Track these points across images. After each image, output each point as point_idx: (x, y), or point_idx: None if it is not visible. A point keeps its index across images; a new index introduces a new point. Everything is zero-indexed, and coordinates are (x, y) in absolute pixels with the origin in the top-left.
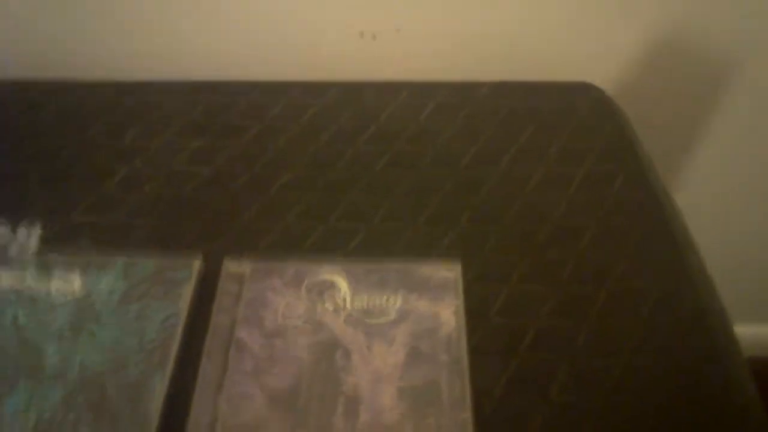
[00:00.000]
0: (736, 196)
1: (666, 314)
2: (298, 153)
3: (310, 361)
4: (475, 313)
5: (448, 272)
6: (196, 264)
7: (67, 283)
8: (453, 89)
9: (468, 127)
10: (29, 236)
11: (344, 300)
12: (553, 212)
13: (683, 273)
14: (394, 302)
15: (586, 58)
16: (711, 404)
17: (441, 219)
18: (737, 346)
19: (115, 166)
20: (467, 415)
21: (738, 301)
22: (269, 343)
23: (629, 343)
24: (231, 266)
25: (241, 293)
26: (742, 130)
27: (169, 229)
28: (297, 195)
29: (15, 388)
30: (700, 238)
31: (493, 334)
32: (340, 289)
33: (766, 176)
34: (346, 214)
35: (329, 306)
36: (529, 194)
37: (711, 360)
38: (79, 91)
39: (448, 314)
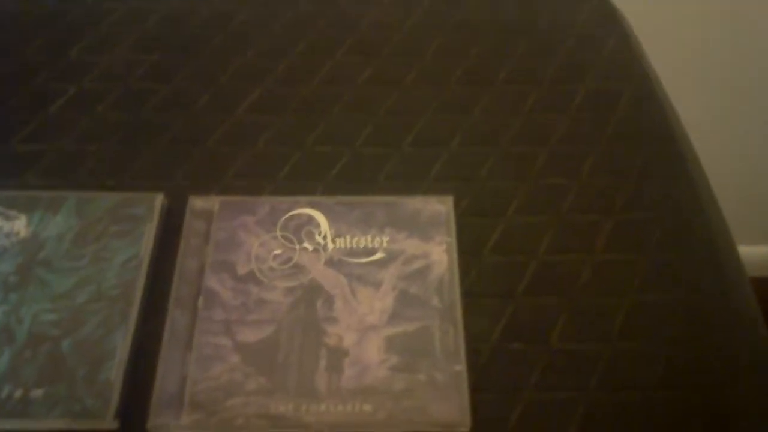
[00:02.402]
0: (738, 113)
1: (674, 248)
2: (268, 68)
3: (289, 309)
4: (468, 251)
5: (440, 205)
6: (158, 199)
7: (11, 223)
8: None
9: (458, 39)
10: None
11: (325, 239)
12: (552, 135)
13: (693, 203)
14: (380, 241)
15: None
16: (720, 345)
17: (429, 142)
18: (747, 284)
19: (60, 86)
20: (461, 367)
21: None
22: (242, 290)
23: (635, 282)
24: (197, 202)
25: (210, 233)
26: (748, 44)
27: (125, 157)
28: (268, 117)
29: None
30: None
31: (488, 275)
32: (320, 226)
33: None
34: (324, 138)
35: (308, 246)
36: (525, 115)
37: (721, 297)
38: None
39: (440, 253)
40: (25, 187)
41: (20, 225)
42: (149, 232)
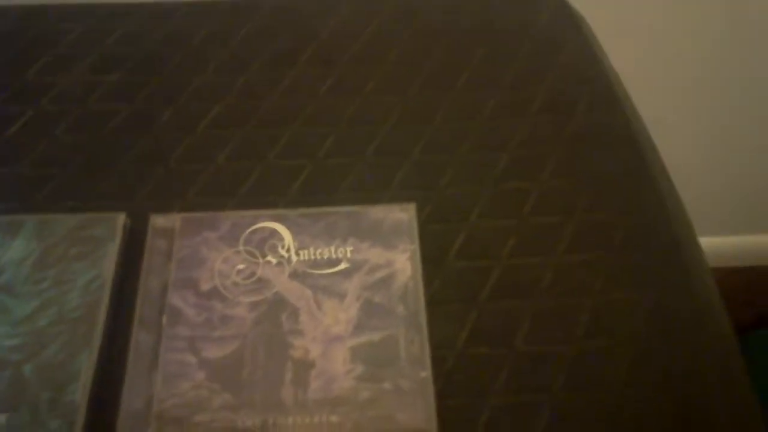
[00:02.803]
0: (705, 109)
1: (638, 248)
2: (228, 83)
3: (253, 324)
4: (432, 258)
5: (402, 213)
6: (120, 219)
7: None
8: (398, 3)
9: (416, 47)
10: None
11: (288, 251)
12: (512, 140)
13: (655, 202)
14: (343, 251)
15: None
16: (686, 341)
17: (391, 151)
18: (711, 280)
19: (17, 108)
20: (427, 373)
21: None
22: (206, 307)
23: (599, 282)
24: (158, 220)
25: (172, 251)
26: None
27: (85, 179)
28: (228, 131)
29: None
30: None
31: (452, 281)
32: (283, 239)
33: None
34: (287, 151)
35: (272, 259)
36: (485, 121)
37: (685, 294)
38: None
39: (403, 261)
40: None
41: None
42: (111, 253)
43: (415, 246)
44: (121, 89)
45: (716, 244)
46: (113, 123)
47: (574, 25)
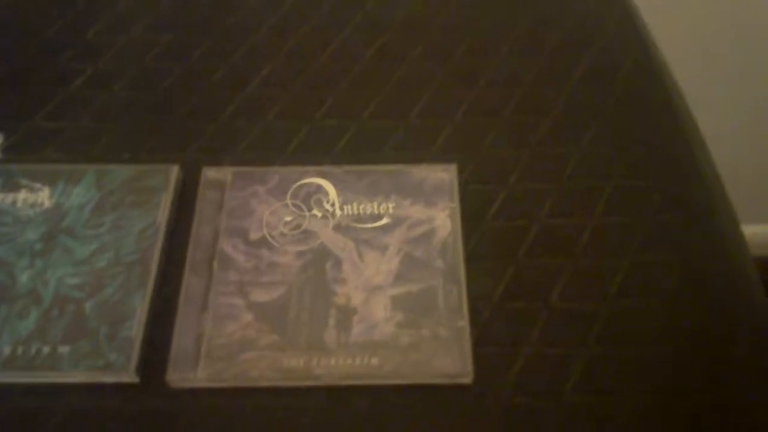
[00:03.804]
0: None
1: (673, 212)
2: (277, 45)
3: (299, 271)
4: (471, 217)
5: (444, 173)
6: (174, 170)
7: (35, 194)
8: None
9: (461, 15)
10: None
11: (333, 206)
12: (553, 106)
13: (692, 169)
14: (386, 208)
15: None
16: (718, 304)
17: (434, 114)
18: (745, 246)
19: (78, 65)
20: (464, 323)
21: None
22: (254, 254)
23: (634, 243)
24: (210, 173)
25: (223, 202)
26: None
27: (141, 132)
28: (277, 91)
29: None
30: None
31: (490, 238)
32: (328, 194)
33: None
34: (332, 112)
35: (317, 213)
36: (528, 87)
37: (718, 258)
38: None
39: (443, 218)
40: (46, 160)
41: (44, 196)
42: (165, 202)
43: (456, 204)
44: (174, 50)
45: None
46: (167, 81)
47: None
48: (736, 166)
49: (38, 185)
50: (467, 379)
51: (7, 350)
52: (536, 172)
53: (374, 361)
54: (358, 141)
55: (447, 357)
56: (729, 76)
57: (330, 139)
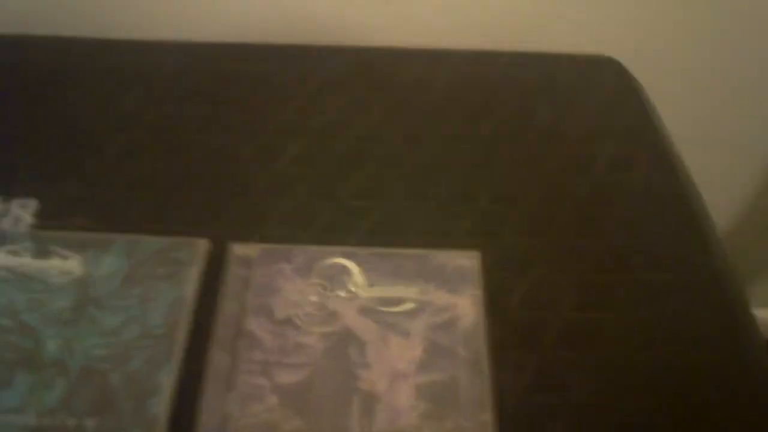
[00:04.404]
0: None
1: (694, 306)
2: (307, 123)
3: (323, 353)
4: (494, 305)
5: (467, 260)
6: (202, 244)
7: (66, 263)
8: (469, 58)
9: (485, 100)
10: (24, 209)
11: (357, 287)
12: (575, 195)
13: (708, 266)
14: (410, 292)
15: (605, 29)
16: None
17: (458, 198)
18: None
19: (112, 134)
20: (488, 416)
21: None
22: (280, 334)
23: (659, 338)
24: (238, 248)
25: (249, 278)
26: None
27: (171, 204)
28: (305, 169)
29: (13, 379)
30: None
31: (513, 328)
32: (353, 275)
33: None
34: (358, 192)
35: (342, 294)
36: (549, 175)
37: (734, 356)
38: (70, 50)
39: (467, 305)
40: (77, 228)
41: (74, 264)
42: (193, 276)
43: (479, 292)
44: (207, 124)
45: None
46: (198, 154)
47: (633, 88)
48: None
49: (68, 253)
50: None
51: (32, 421)
52: (559, 261)
53: None
54: (382, 222)
55: None
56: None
57: (355, 219)
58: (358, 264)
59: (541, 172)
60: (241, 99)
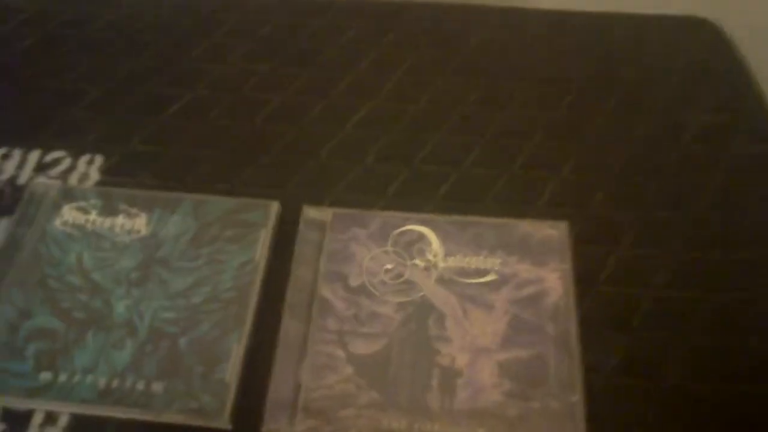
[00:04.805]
0: None
1: None
2: (378, 82)
3: (400, 324)
4: (582, 280)
5: (553, 231)
6: (273, 206)
7: (133, 221)
8: (548, 18)
9: (566, 63)
10: (90, 165)
11: (435, 257)
12: (666, 166)
13: None
14: (492, 263)
15: None
16: None
17: (540, 165)
18: None
19: (175, 91)
20: (577, 398)
21: None
22: (355, 302)
23: (757, 320)
24: (311, 212)
25: (323, 243)
26: None
27: (237, 163)
28: (377, 132)
29: (84, 339)
30: None
31: (602, 305)
32: (431, 244)
33: None
34: (433, 156)
35: (419, 262)
36: (635, 144)
37: None
38: (131, 4)
39: (554, 280)
40: (143, 186)
41: (141, 223)
42: (264, 239)
43: (568, 266)
44: (272, 80)
45: None
46: (264, 112)
47: (729, 54)
48: None
49: (135, 211)
50: None
51: (102, 382)
52: (651, 236)
53: (480, 431)
54: (459, 189)
55: None
56: None
57: (430, 184)
58: (436, 232)
59: (627, 141)
60: (308, 56)
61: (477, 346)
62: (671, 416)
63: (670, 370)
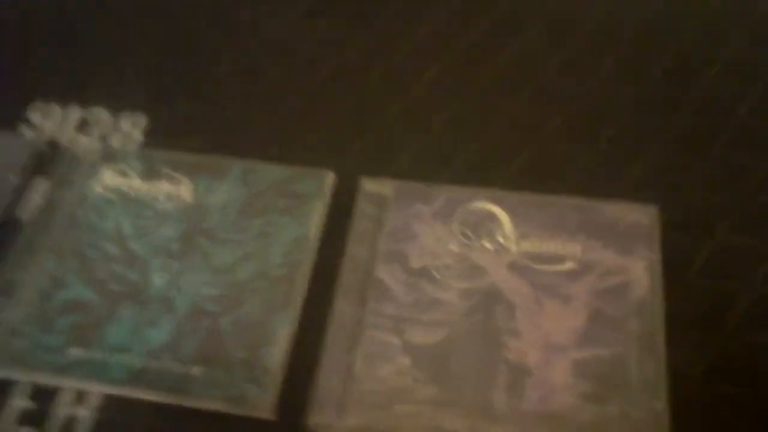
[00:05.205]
0: None
1: None
2: (445, 44)
3: (465, 313)
4: (672, 272)
5: (643, 216)
6: (329, 177)
7: (176, 187)
8: None
9: (661, 25)
10: (133, 125)
11: (507, 239)
12: None
13: None
14: (572, 249)
15: None
16: None
17: (629, 140)
18: None
19: (227, 49)
20: (661, 404)
21: None
22: (415, 286)
23: None
24: (370, 185)
25: (382, 219)
26: None
27: (291, 128)
28: (444, 97)
29: (117, 312)
30: None
31: (694, 301)
32: (502, 224)
33: None
34: (508, 126)
35: (488, 245)
36: (740, 118)
37: None
38: None
39: (640, 270)
40: (190, 150)
41: (185, 190)
42: (318, 211)
43: (657, 256)
44: (329, 39)
45: None
46: (321, 74)
47: None
48: None
49: (179, 176)
50: None
51: (137, 363)
52: (751, 224)
53: None
54: (536, 162)
55: None
56: None
57: (503, 157)
58: (508, 211)
59: (730, 115)
60: (370, 13)
61: (550, 342)
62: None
63: None
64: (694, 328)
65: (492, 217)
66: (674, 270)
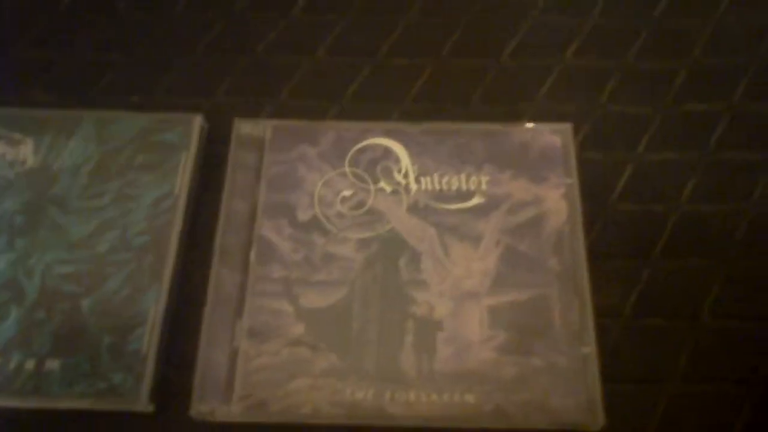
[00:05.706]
0: None
1: None
2: None
3: (363, 267)
4: (589, 197)
5: (554, 136)
6: (196, 121)
7: (15, 149)
8: None
9: None
10: None
11: (406, 178)
12: (695, 45)
13: None
14: (477, 182)
15: None
16: None
17: (535, 52)
18: None
19: None
20: (590, 349)
21: None
22: (304, 241)
23: None
24: (245, 126)
25: (261, 167)
26: None
27: (153, 67)
28: (329, 16)
29: None
30: None
31: (616, 229)
32: (400, 161)
33: None
34: (402, 46)
35: (385, 186)
36: (658, 22)
37: None
38: None
39: (557, 199)
40: (30, 104)
41: (27, 151)
42: (186, 164)
43: (573, 180)
44: None
45: None
46: (183, 0)
47: None
48: None
49: (19, 136)
50: (595, 428)
51: None
52: (674, 137)
53: (469, 398)
54: (436, 86)
55: (568, 396)
56: None
57: (399, 82)
58: (406, 145)
59: (647, 17)
60: None
61: (461, 290)
62: (707, 361)
63: (705, 305)
64: (619, 257)
65: (388, 154)
66: (592, 195)
